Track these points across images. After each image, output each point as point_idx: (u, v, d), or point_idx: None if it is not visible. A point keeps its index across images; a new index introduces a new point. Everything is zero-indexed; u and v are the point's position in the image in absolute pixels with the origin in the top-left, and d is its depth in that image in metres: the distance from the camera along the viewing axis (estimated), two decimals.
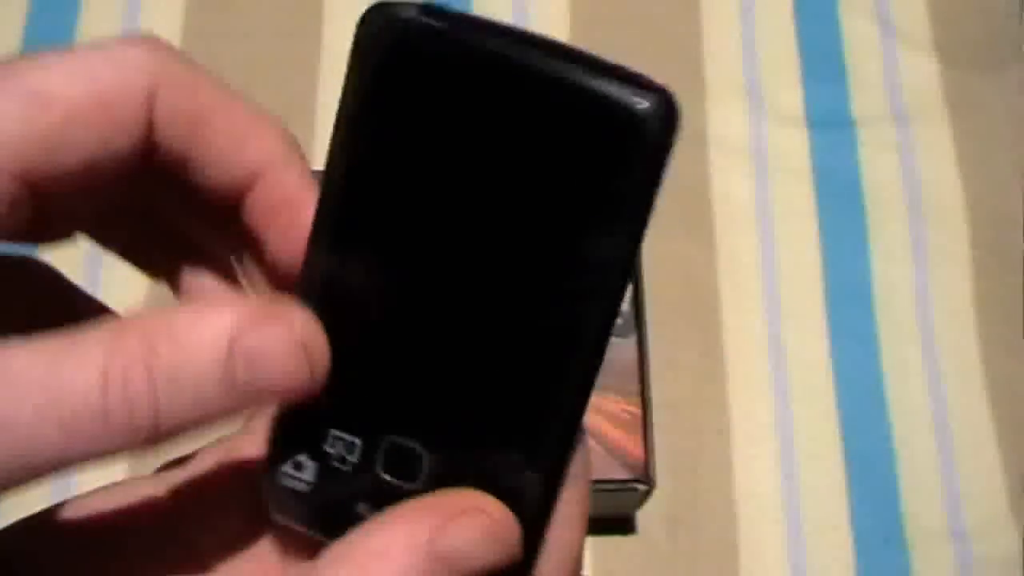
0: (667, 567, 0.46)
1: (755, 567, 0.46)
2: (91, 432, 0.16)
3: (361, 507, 0.20)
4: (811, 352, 0.50)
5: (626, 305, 0.43)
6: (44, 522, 0.21)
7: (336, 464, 0.20)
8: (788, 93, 0.55)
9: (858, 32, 0.56)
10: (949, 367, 0.50)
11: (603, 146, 0.17)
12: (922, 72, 0.55)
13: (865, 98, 0.55)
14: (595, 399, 0.41)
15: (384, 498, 0.19)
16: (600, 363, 0.19)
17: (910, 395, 0.49)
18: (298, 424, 0.20)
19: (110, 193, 0.19)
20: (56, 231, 0.21)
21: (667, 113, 0.17)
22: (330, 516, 0.20)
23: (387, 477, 0.20)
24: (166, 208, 0.22)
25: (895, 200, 0.53)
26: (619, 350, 0.42)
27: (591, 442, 0.40)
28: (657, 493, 0.42)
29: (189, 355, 0.17)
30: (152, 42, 0.19)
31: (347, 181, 0.19)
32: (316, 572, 0.18)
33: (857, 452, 0.48)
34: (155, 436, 0.17)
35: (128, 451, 0.17)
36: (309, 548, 0.20)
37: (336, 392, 0.19)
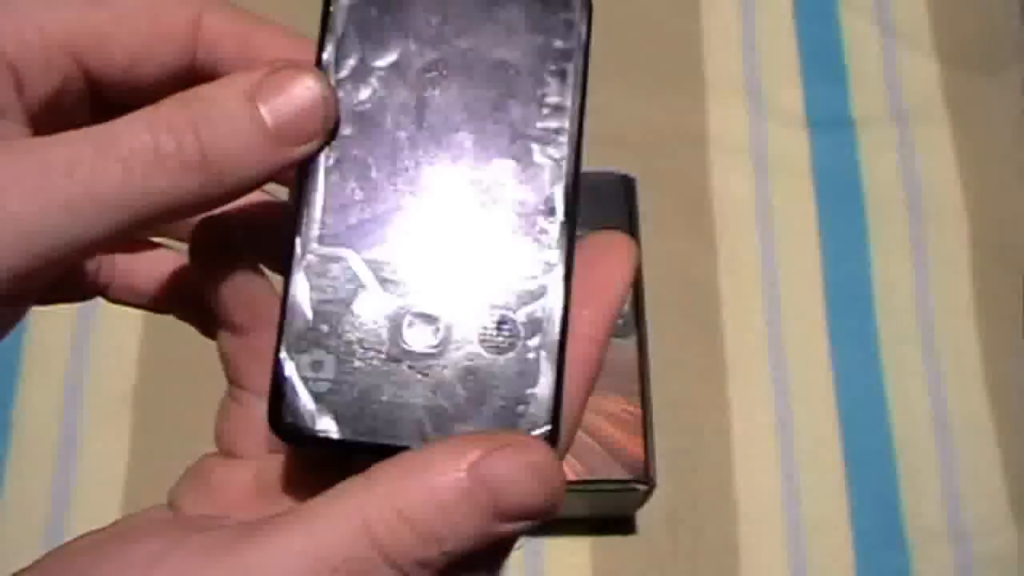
0: (667, 567, 0.46)
1: (755, 567, 0.46)
2: (148, 167, 0.18)
3: (388, 392, 0.20)
4: (811, 352, 0.50)
5: (626, 305, 0.43)
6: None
7: (357, 349, 0.20)
8: (788, 93, 0.55)
9: (858, 32, 0.56)
10: (949, 367, 0.50)
11: (550, 11, 0.22)
12: (922, 72, 0.55)
13: (865, 98, 0.55)
14: (595, 399, 0.41)
15: (411, 376, 0.20)
16: (578, 191, 0.22)
17: (910, 395, 0.49)
18: (315, 320, 0.20)
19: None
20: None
21: None
22: (354, 412, 0.20)
23: (410, 352, 0.20)
24: None
25: (895, 200, 0.53)
26: (619, 350, 0.42)
27: (591, 442, 0.40)
28: (657, 493, 0.42)
29: (217, 103, 0.19)
30: None
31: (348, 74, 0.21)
32: (367, 479, 0.18)
33: (857, 452, 0.48)
34: (205, 172, 0.19)
35: (185, 196, 0.18)
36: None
37: (349, 274, 0.20)
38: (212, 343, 0.24)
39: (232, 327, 0.22)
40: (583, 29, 0.22)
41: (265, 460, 0.22)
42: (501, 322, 0.20)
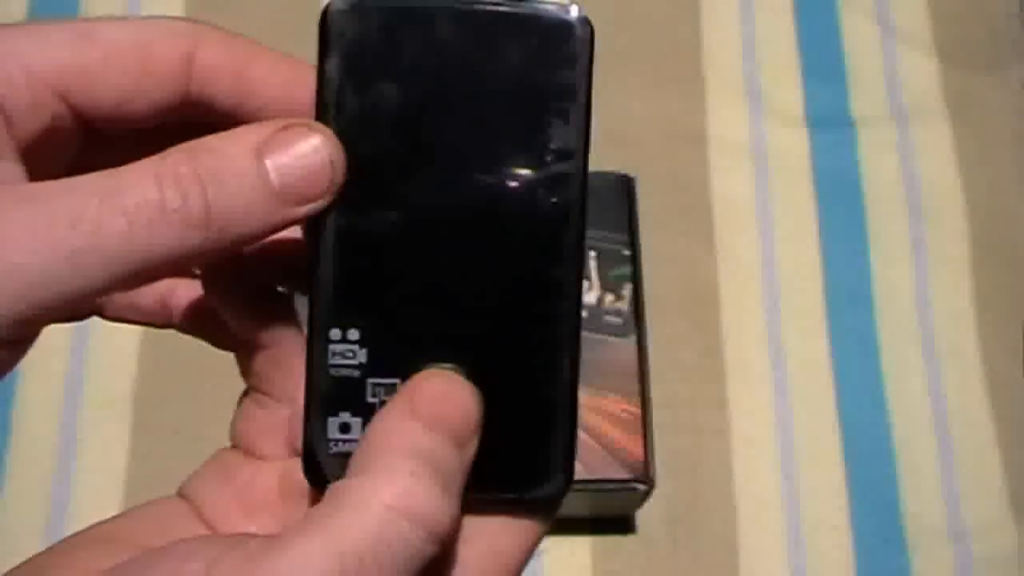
0: (667, 567, 0.46)
1: (755, 567, 0.46)
2: (153, 222, 0.18)
3: None
4: (811, 352, 0.50)
5: (626, 305, 0.43)
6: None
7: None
8: (788, 93, 0.55)
9: (858, 32, 0.56)
10: (949, 367, 0.49)
11: (552, 51, 0.21)
12: (922, 72, 0.55)
13: (865, 98, 0.55)
14: (595, 399, 0.41)
15: None
16: (584, 237, 0.22)
17: (910, 395, 0.49)
18: (336, 387, 0.21)
19: (152, 138, 0.21)
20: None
21: (587, 19, 0.21)
22: None
23: None
24: None
25: (895, 200, 0.53)
26: (619, 350, 0.42)
27: (591, 442, 0.40)
28: (657, 493, 0.42)
29: (225, 158, 0.19)
30: (194, 20, 0.21)
31: (346, 134, 0.21)
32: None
33: (857, 452, 0.48)
34: (208, 229, 0.18)
35: (187, 251, 0.18)
36: None
37: (369, 341, 0.21)
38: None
39: (252, 346, 0.23)
40: (586, 63, 0.21)
41: (289, 463, 0.23)
42: (515, 377, 0.21)
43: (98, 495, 0.46)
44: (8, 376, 0.52)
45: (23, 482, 0.46)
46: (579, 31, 0.21)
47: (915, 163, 0.54)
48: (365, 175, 0.21)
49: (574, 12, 0.21)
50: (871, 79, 0.55)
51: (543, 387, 0.21)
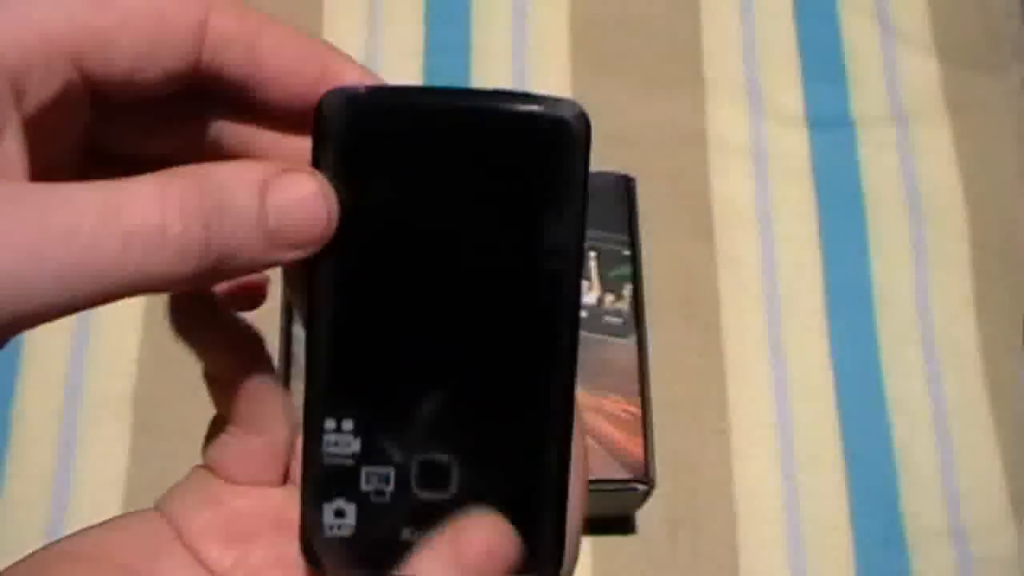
0: (667, 567, 0.46)
1: (755, 567, 0.46)
2: (149, 246, 0.18)
3: (405, 532, 0.22)
4: (811, 352, 0.50)
5: (626, 305, 0.43)
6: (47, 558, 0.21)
7: (375, 499, 0.22)
8: (788, 93, 0.55)
9: (858, 32, 0.56)
10: (949, 367, 0.50)
11: (545, 151, 0.21)
12: (922, 72, 0.55)
13: (865, 98, 0.55)
14: (595, 399, 0.41)
15: (425, 515, 0.22)
16: (577, 335, 0.22)
17: (910, 395, 0.49)
18: (330, 474, 0.22)
19: (162, 110, 0.21)
20: (111, 140, 0.22)
21: (583, 115, 0.21)
22: (379, 550, 0.22)
23: (424, 494, 0.22)
24: (224, 137, 0.22)
25: (895, 200, 0.53)
26: (619, 350, 0.42)
27: (591, 442, 0.40)
28: (657, 493, 0.42)
29: (231, 194, 0.19)
30: None
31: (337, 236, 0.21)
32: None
33: (857, 452, 0.48)
34: (206, 259, 0.18)
35: (178, 278, 0.18)
36: None
37: (363, 430, 0.21)
38: None
39: (218, 380, 0.23)
40: (581, 161, 0.21)
41: (281, 493, 0.23)
42: (507, 469, 0.22)
43: (98, 495, 0.46)
44: (8, 376, 0.52)
45: (23, 482, 0.46)
46: (575, 129, 0.21)
47: (915, 163, 0.54)
48: (358, 267, 0.21)
49: (570, 109, 0.21)
50: (871, 79, 0.55)
51: (534, 479, 0.22)
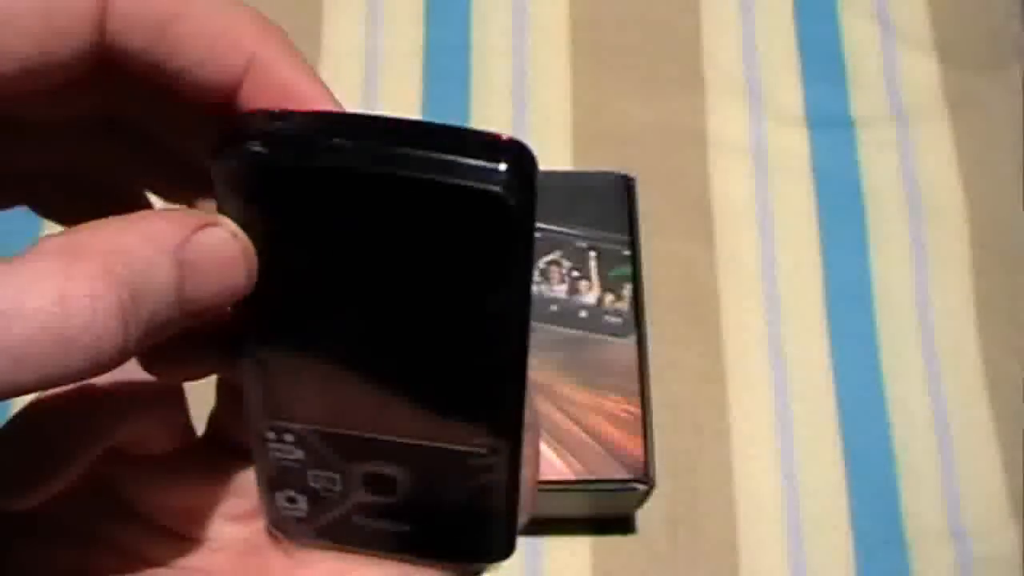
0: (667, 567, 0.46)
1: (755, 567, 0.46)
2: (50, 358, 0.15)
3: (356, 519, 0.22)
4: (811, 352, 0.50)
5: (626, 305, 0.43)
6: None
7: (324, 494, 0.22)
8: (788, 93, 0.55)
9: (858, 32, 0.56)
10: (949, 367, 0.49)
11: (471, 228, 0.17)
12: (922, 72, 0.55)
13: (865, 98, 0.55)
14: (595, 399, 0.41)
15: (374, 510, 0.22)
16: (521, 382, 0.19)
17: (910, 395, 0.49)
18: (278, 471, 0.22)
19: (69, 105, 0.19)
20: (21, 153, 0.20)
21: (521, 173, 0.16)
22: (333, 529, 0.22)
23: (370, 497, 0.22)
24: (144, 125, 0.20)
25: (895, 200, 0.53)
26: (619, 350, 0.42)
27: (591, 442, 0.40)
28: (657, 493, 0.42)
29: (146, 271, 0.16)
30: None
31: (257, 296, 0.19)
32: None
33: (857, 452, 0.48)
34: (121, 353, 0.16)
35: (87, 375, 0.16)
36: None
37: (303, 444, 0.21)
38: None
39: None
40: (520, 242, 0.17)
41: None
42: (452, 475, 0.21)
43: None
44: None
45: None
46: (509, 206, 0.16)
47: (915, 163, 0.54)
48: (272, 322, 0.19)
49: (497, 181, 0.16)
50: (871, 79, 0.55)
51: (482, 481, 0.21)
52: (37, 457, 0.20)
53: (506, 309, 0.18)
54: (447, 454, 0.20)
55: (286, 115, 0.17)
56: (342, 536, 0.22)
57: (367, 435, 0.20)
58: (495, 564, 0.22)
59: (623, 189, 0.45)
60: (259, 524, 0.23)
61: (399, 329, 0.19)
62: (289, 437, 0.21)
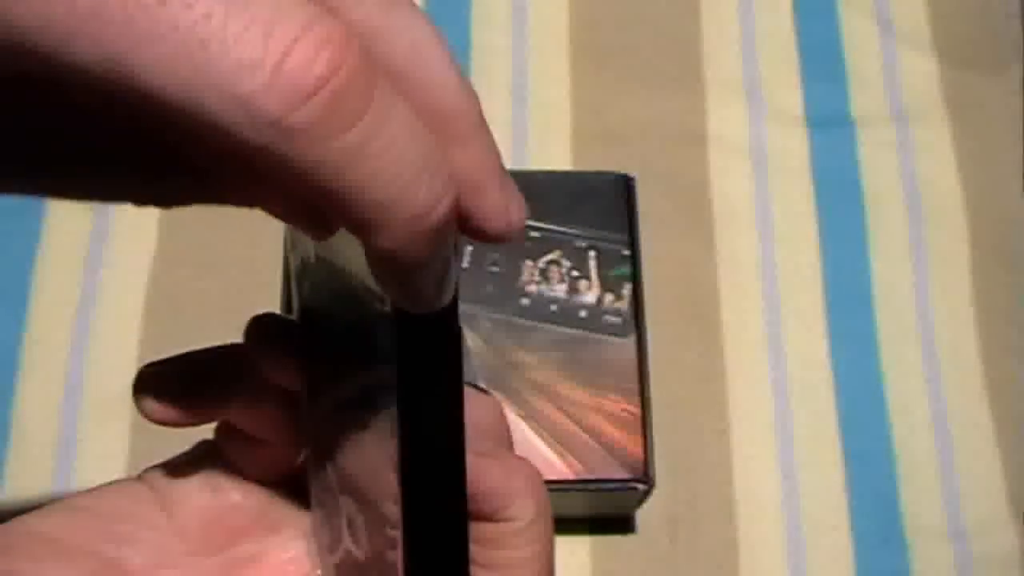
0: (667, 567, 0.46)
1: (755, 567, 0.46)
2: (240, 70, 0.13)
3: None
4: (811, 352, 0.50)
5: (626, 305, 0.43)
6: (35, 522, 0.21)
7: None
8: (788, 93, 0.55)
9: (858, 32, 0.56)
10: (949, 367, 0.49)
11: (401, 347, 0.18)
12: (922, 72, 0.55)
13: (865, 98, 0.55)
14: (595, 399, 0.41)
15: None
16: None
17: (910, 395, 0.49)
18: None
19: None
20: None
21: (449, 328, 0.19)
22: None
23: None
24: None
25: (895, 200, 0.53)
26: (619, 350, 0.42)
27: (591, 442, 0.40)
28: (657, 493, 0.42)
29: None
30: None
31: None
32: None
33: (857, 452, 0.48)
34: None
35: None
36: None
37: None
38: (210, 339, 0.24)
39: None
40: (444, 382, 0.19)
41: (268, 493, 0.24)
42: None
43: None
44: (8, 376, 0.52)
45: (23, 482, 0.46)
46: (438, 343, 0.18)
47: (915, 163, 0.53)
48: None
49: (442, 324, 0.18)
50: (871, 79, 0.55)
51: None
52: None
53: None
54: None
55: None
56: None
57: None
58: None
59: (623, 189, 0.45)
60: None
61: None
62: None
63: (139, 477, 0.24)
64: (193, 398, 0.21)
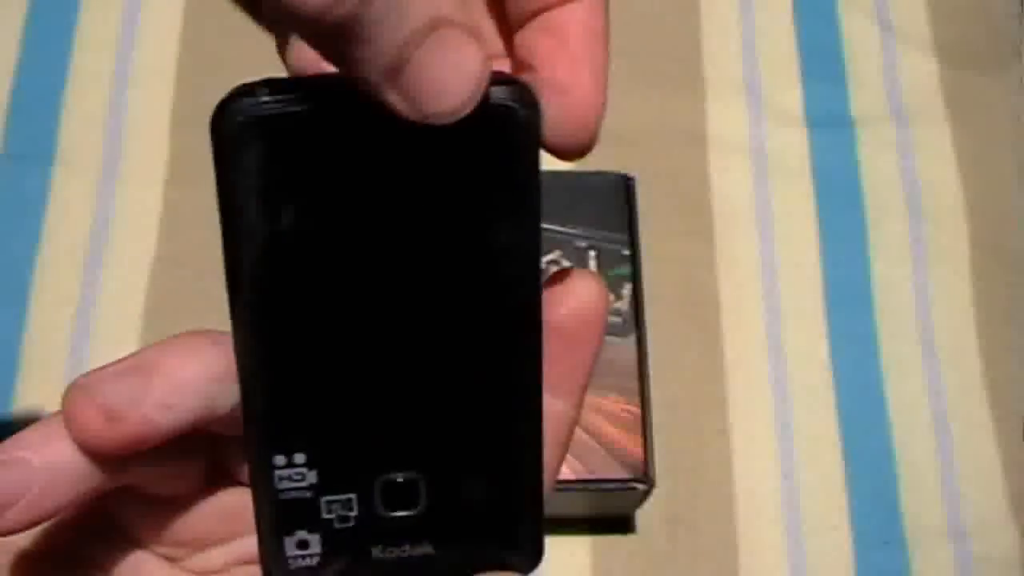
0: (667, 567, 0.46)
1: (755, 567, 0.46)
2: None
3: (376, 552, 0.20)
4: (811, 352, 0.50)
5: (626, 305, 0.43)
6: None
7: (340, 524, 0.20)
8: (788, 93, 0.55)
9: (858, 32, 0.56)
10: (949, 367, 0.49)
11: (489, 144, 0.18)
12: (922, 72, 0.55)
13: (865, 98, 0.55)
14: (595, 399, 0.41)
15: (394, 534, 0.20)
16: (540, 334, 0.20)
17: (910, 395, 0.49)
18: (287, 509, 0.20)
19: None
20: None
21: (530, 99, 0.18)
22: (351, 571, 0.21)
23: (391, 514, 0.20)
24: None
25: (895, 200, 0.53)
26: (619, 350, 0.42)
27: (591, 442, 0.40)
28: (657, 493, 0.42)
29: None
30: None
31: (262, 251, 0.18)
32: None
33: (857, 452, 0.48)
34: None
35: None
36: None
37: (317, 461, 0.20)
38: None
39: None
40: (533, 149, 0.18)
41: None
42: (477, 470, 0.20)
43: None
44: (8, 376, 0.52)
45: None
46: (522, 117, 0.18)
47: (915, 163, 0.53)
48: (289, 288, 0.18)
49: (516, 96, 0.18)
50: (871, 79, 0.55)
51: (507, 479, 0.20)
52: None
53: (520, 240, 0.19)
54: (469, 442, 0.20)
55: (289, 81, 0.18)
56: None
57: (384, 431, 0.20)
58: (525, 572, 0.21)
59: (623, 189, 0.45)
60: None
61: (414, 280, 0.19)
62: (300, 458, 0.20)
63: None
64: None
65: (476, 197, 0.18)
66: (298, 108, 0.17)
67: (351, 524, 0.20)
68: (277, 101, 0.17)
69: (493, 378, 0.20)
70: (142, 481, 0.20)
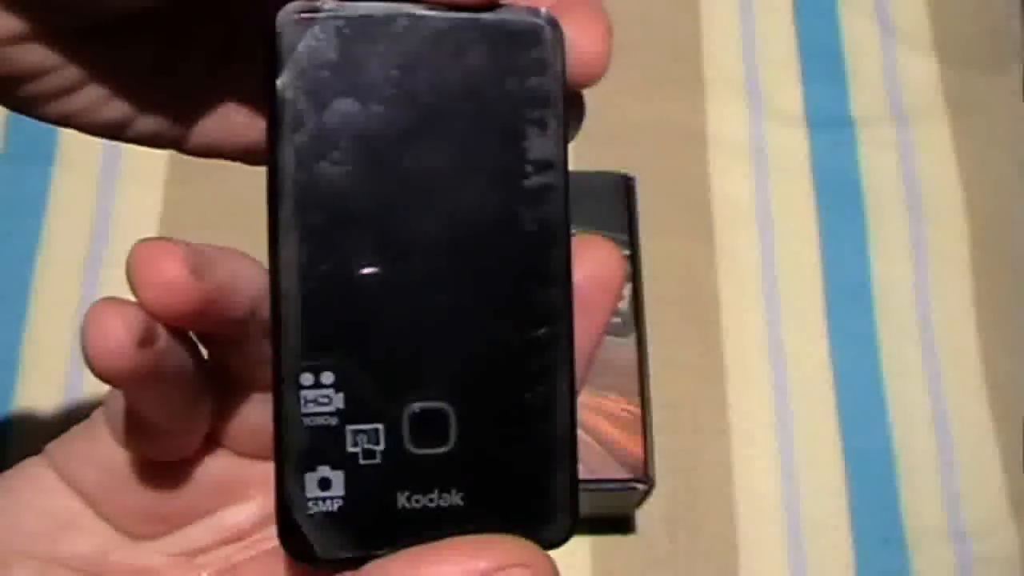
0: (666, 567, 0.46)
1: (755, 567, 0.46)
2: None
3: (402, 499, 0.20)
4: (811, 352, 0.50)
5: (626, 305, 0.43)
6: None
7: (365, 461, 0.19)
8: (788, 93, 0.55)
9: (858, 32, 0.56)
10: (949, 367, 0.49)
11: (522, 57, 0.20)
12: (922, 72, 0.55)
13: (865, 98, 0.55)
14: (595, 399, 0.41)
15: (423, 476, 0.20)
16: (569, 254, 0.20)
17: (910, 395, 0.49)
18: (312, 437, 0.19)
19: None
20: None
21: (555, 19, 0.20)
22: (374, 523, 0.20)
23: (420, 451, 0.19)
24: None
25: (895, 200, 0.53)
26: (619, 350, 0.42)
27: (590, 441, 0.40)
28: (657, 493, 0.42)
29: None
30: None
31: (300, 164, 0.19)
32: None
33: (857, 452, 0.48)
34: None
35: None
36: None
37: (345, 382, 0.19)
38: None
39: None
40: (559, 67, 0.20)
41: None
42: (509, 414, 0.20)
43: None
44: (8, 376, 0.52)
45: None
46: (548, 34, 0.20)
47: (915, 163, 0.53)
48: (324, 199, 0.19)
49: (542, 15, 0.20)
50: (871, 79, 0.55)
51: (540, 422, 0.20)
52: None
53: (551, 156, 0.20)
54: (503, 371, 0.20)
55: None
56: (379, 536, 0.19)
57: (417, 354, 0.19)
58: (552, 544, 0.21)
59: (623, 189, 0.45)
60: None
61: (452, 198, 0.20)
62: (328, 378, 0.19)
63: (44, 458, 0.24)
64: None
65: (511, 112, 0.20)
66: (350, 13, 0.19)
67: (377, 461, 0.19)
68: (332, 15, 0.19)
69: (524, 306, 0.20)
70: (154, 415, 0.20)
